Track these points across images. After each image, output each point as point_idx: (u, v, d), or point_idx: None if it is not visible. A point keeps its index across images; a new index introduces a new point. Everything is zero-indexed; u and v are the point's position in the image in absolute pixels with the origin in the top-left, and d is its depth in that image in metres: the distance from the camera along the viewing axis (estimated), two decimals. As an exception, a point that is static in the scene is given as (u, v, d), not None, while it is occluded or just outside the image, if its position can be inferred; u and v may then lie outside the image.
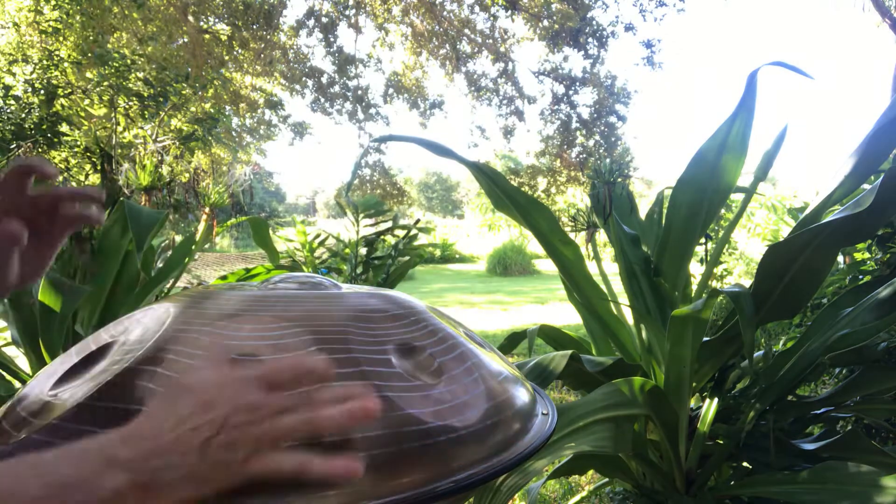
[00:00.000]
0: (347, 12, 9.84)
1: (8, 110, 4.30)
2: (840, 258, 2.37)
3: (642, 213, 2.28)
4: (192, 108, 6.42)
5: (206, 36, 8.65)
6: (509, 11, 9.24)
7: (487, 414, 0.61)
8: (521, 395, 0.69)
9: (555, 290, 10.19)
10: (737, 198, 3.53)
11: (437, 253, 17.28)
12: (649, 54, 9.21)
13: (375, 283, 3.08)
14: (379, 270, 3.13)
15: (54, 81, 4.60)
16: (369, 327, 0.63)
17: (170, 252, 2.41)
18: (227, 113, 8.98)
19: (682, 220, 1.78)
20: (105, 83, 4.82)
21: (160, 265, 2.35)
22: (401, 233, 3.27)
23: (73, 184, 4.79)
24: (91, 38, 5.69)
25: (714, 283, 4.23)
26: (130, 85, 5.00)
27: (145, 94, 5.01)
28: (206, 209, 2.32)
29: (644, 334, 1.89)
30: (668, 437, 1.66)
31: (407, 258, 3.20)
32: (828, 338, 1.62)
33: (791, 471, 1.47)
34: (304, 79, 10.48)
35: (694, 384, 1.75)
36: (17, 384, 1.93)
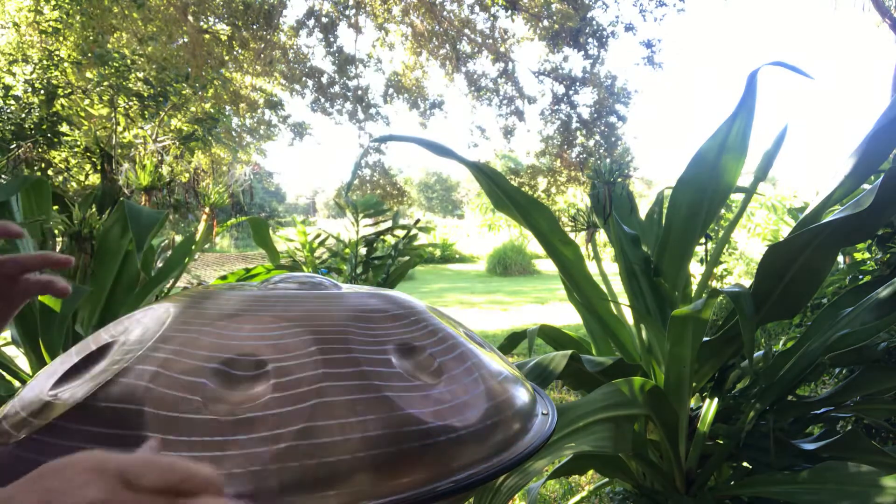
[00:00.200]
0: (347, 12, 9.84)
1: (8, 110, 4.30)
2: (840, 258, 2.37)
3: (642, 213, 2.28)
4: (192, 108, 6.42)
5: (206, 36, 8.65)
6: (509, 11, 9.24)
7: (487, 414, 0.61)
8: (521, 395, 0.69)
9: (555, 290, 10.20)
10: (737, 198, 3.53)
11: (437, 253, 17.29)
12: (649, 54, 9.21)
13: (375, 283, 3.09)
14: (379, 270, 3.13)
15: (54, 81, 4.60)
16: (369, 327, 0.63)
17: (170, 252, 2.41)
18: (227, 113, 8.98)
19: (682, 220, 1.78)
20: (105, 83, 4.82)
21: (160, 265, 2.35)
22: (401, 233, 3.27)
23: (74, 184, 4.80)
24: (91, 38, 5.69)
25: (714, 283, 4.23)
26: (130, 85, 5.00)
27: (145, 94, 5.01)
28: (206, 209, 2.32)
29: (644, 334, 1.89)
30: (668, 437, 1.66)
31: (407, 258, 3.21)
32: (828, 338, 1.62)
33: (791, 471, 1.47)
34: (304, 79, 10.48)
35: (694, 384, 1.75)
36: (17, 384, 1.93)
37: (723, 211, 3.73)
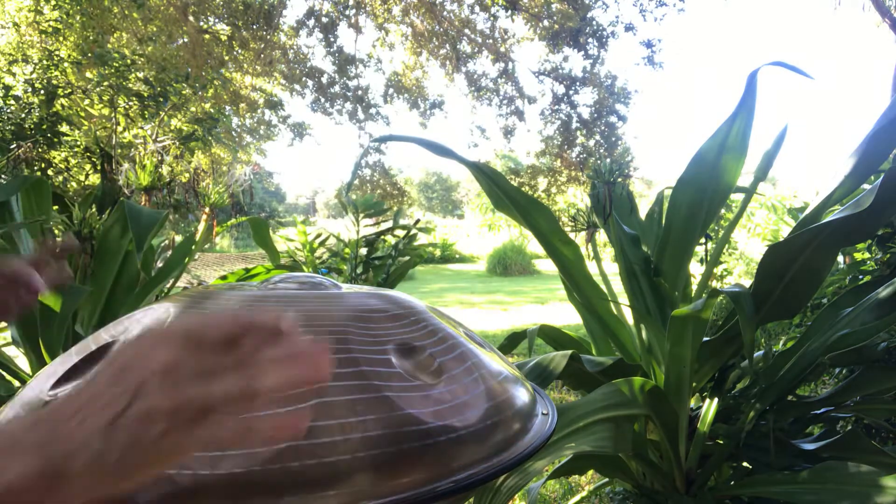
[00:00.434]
0: (347, 12, 9.85)
1: (8, 110, 4.30)
2: (840, 258, 2.37)
3: (642, 213, 2.28)
4: (192, 108, 6.42)
5: (206, 36, 8.65)
6: (509, 11, 9.24)
7: (487, 414, 0.61)
8: (521, 395, 0.69)
9: (555, 290, 10.20)
10: (737, 198, 3.53)
11: (437, 253, 17.29)
12: (649, 54, 9.21)
13: (375, 283, 3.09)
14: (379, 270, 3.13)
15: (54, 81, 4.60)
16: (369, 327, 0.63)
17: (170, 252, 2.41)
18: (227, 113, 8.98)
19: (682, 220, 1.78)
20: (105, 83, 4.82)
21: (160, 265, 2.35)
22: (401, 233, 3.27)
23: (74, 184, 4.80)
24: (91, 38, 5.69)
25: (714, 283, 4.23)
26: (130, 85, 5.01)
27: (145, 94, 5.01)
28: (206, 209, 2.32)
29: (644, 334, 1.89)
30: (668, 437, 1.66)
31: (407, 258, 3.21)
32: (828, 338, 1.62)
33: (791, 471, 1.47)
34: (304, 79, 10.49)
35: (694, 384, 1.75)
36: (17, 384, 1.93)
37: (723, 211, 3.73)
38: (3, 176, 2.59)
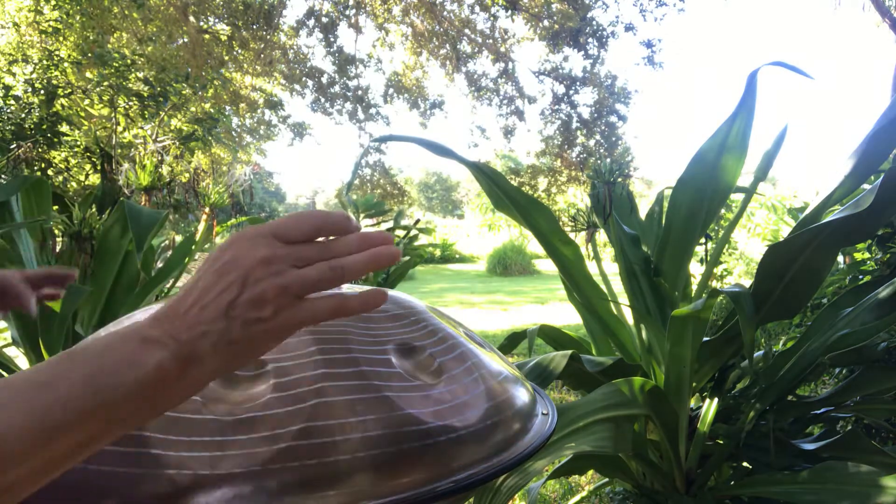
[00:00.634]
0: (347, 12, 9.85)
1: (8, 110, 4.30)
2: (840, 258, 2.37)
3: (642, 213, 2.28)
4: (192, 108, 6.42)
5: (206, 36, 8.65)
6: (509, 11, 9.24)
7: (487, 414, 0.61)
8: (521, 395, 0.69)
9: (555, 290, 10.19)
10: (737, 198, 3.53)
11: (437, 253, 17.29)
12: (649, 54, 9.21)
13: (375, 283, 3.09)
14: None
15: (54, 81, 4.60)
16: (369, 327, 0.63)
17: (170, 252, 2.41)
18: (227, 113, 8.98)
19: (682, 220, 1.78)
20: (105, 83, 4.82)
21: (160, 265, 2.35)
22: (401, 233, 3.28)
23: (74, 184, 4.80)
24: (91, 38, 5.69)
25: (714, 283, 4.23)
26: (130, 85, 5.01)
27: (145, 94, 5.01)
28: (206, 209, 2.32)
29: (644, 334, 1.89)
30: (668, 437, 1.66)
31: (407, 258, 3.21)
32: (828, 338, 1.62)
33: (791, 471, 1.47)
34: (304, 79, 10.49)
35: (694, 384, 1.75)
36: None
37: (723, 211, 3.73)
38: (3, 176, 2.59)
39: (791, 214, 4.15)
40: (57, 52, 5.19)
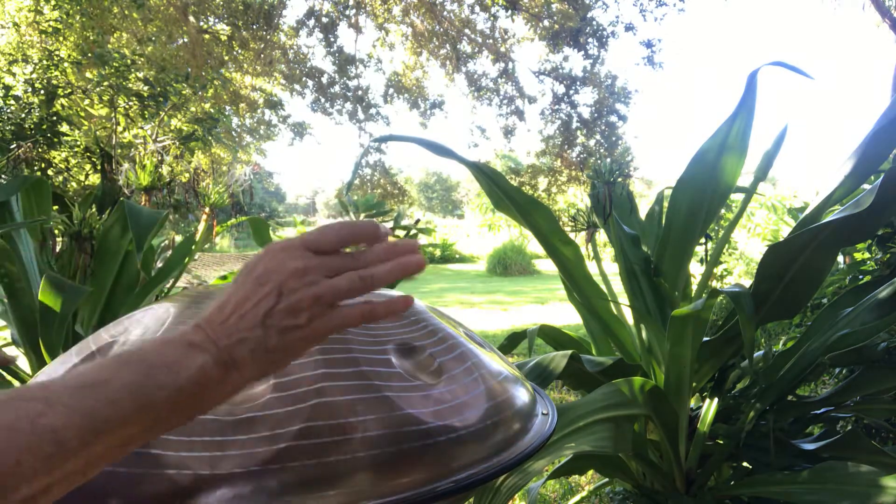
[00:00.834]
0: (347, 12, 9.84)
1: (8, 110, 4.30)
2: (840, 258, 2.37)
3: (642, 213, 2.28)
4: (192, 108, 6.42)
5: (206, 36, 8.65)
6: (509, 11, 9.24)
7: (487, 414, 0.61)
8: (521, 395, 0.69)
9: (555, 290, 10.19)
10: (737, 198, 3.53)
11: (437, 253, 17.29)
12: (649, 54, 9.20)
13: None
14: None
15: (54, 81, 4.60)
16: (369, 327, 0.63)
17: (170, 252, 2.40)
18: (227, 113, 8.98)
19: (682, 220, 1.78)
20: (105, 83, 4.82)
21: (160, 265, 2.35)
22: (401, 233, 3.27)
23: (74, 184, 4.80)
24: (91, 38, 5.69)
25: (714, 283, 4.23)
26: (130, 85, 5.01)
27: (145, 94, 5.01)
28: (206, 209, 2.31)
29: (644, 334, 1.89)
30: (668, 437, 1.66)
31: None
32: (828, 338, 1.62)
33: (791, 471, 1.47)
34: (304, 79, 10.48)
35: (694, 384, 1.75)
36: (17, 384, 1.93)
37: (723, 211, 3.73)
38: (3, 176, 2.59)
39: (791, 214, 4.15)
40: (57, 52, 5.19)
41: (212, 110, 6.78)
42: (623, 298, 1.95)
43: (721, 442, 1.76)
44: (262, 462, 0.49)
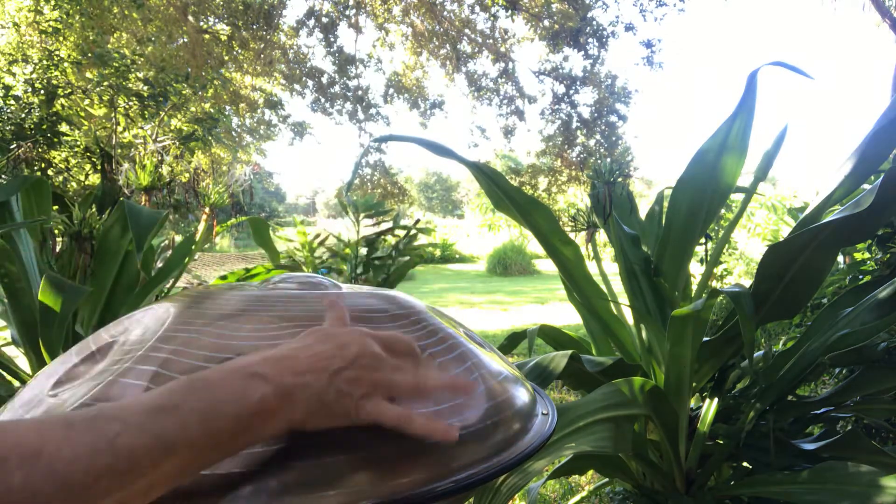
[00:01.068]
0: (347, 12, 9.84)
1: (8, 110, 4.30)
2: (840, 258, 2.37)
3: (642, 213, 2.28)
4: (192, 108, 6.42)
5: (206, 36, 8.65)
6: (509, 11, 9.23)
7: (487, 414, 0.61)
8: (521, 395, 0.69)
9: (555, 290, 10.19)
10: (737, 198, 3.53)
11: (437, 253, 17.30)
12: (649, 54, 9.20)
13: (376, 283, 3.09)
14: (379, 270, 3.13)
15: (54, 81, 4.60)
16: (369, 327, 0.63)
17: (170, 252, 2.40)
18: (227, 113, 8.98)
19: (682, 220, 1.78)
20: (105, 83, 4.82)
21: (160, 265, 2.35)
22: (401, 233, 3.27)
23: (74, 184, 4.79)
24: (91, 38, 5.69)
25: (714, 283, 4.23)
26: (130, 85, 5.01)
27: (145, 94, 5.01)
28: (206, 209, 2.31)
29: (644, 334, 1.89)
30: (668, 437, 1.66)
31: (407, 258, 3.20)
32: (828, 338, 1.62)
33: (791, 471, 1.47)
34: (304, 79, 10.48)
35: (694, 384, 1.75)
36: (17, 384, 1.93)
37: (723, 211, 3.73)
38: (3, 176, 2.59)
39: (791, 214, 4.15)
40: (57, 52, 5.19)
41: (212, 110, 6.78)
42: (623, 298, 1.95)
43: (721, 442, 1.76)
44: (262, 462, 0.49)
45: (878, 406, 1.70)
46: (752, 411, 1.66)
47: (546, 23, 9.56)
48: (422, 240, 3.45)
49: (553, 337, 2.07)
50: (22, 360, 2.11)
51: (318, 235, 3.56)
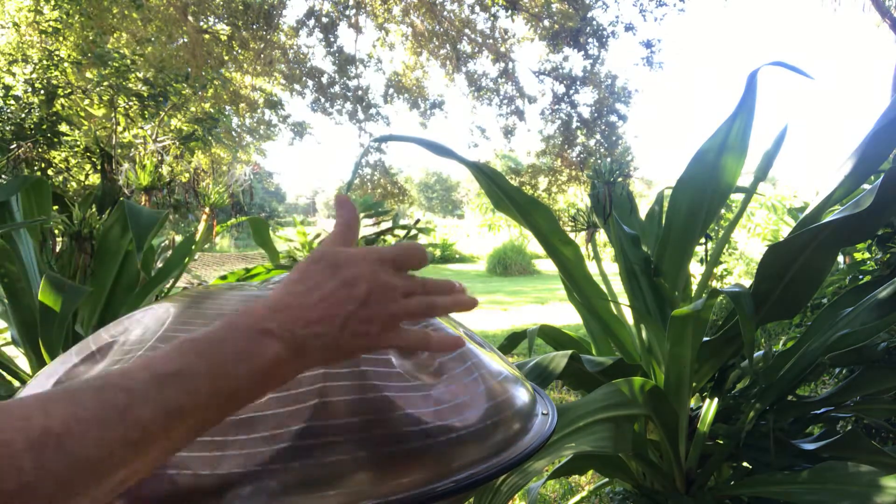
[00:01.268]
0: (347, 12, 9.84)
1: (8, 110, 4.30)
2: (840, 258, 2.37)
3: (642, 213, 2.28)
4: (192, 108, 6.42)
5: (206, 36, 8.65)
6: (509, 11, 9.23)
7: (487, 414, 0.61)
8: (521, 395, 0.69)
9: (555, 290, 10.19)
10: (737, 198, 3.53)
11: (437, 253, 17.30)
12: (649, 54, 9.20)
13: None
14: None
15: (54, 81, 4.60)
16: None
17: (170, 252, 2.40)
18: (227, 113, 8.98)
19: (682, 220, 1.78)
20: (105, 83, 4.82)
21: (160, 265, 2.35)
22: (401, 233, 3.27)
23: (74, 184, 4.80)
24: (91, 38, 5.69)
25: (714, 283, 4.23)
26: (130, 85, 5.01)
27: (145, 94, 5.01)
28: (206, 209, 2.31)
29: (644, 334, 1.89)
30: (668, 437, 1.66)
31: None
32: (828, 338, 1.62)
33: (791, 471, 1.47)
34: (304, 79, 10.48)
35: (694, 384, 1.75)
36: (17, 384, 1.93)
37: (723, 211, 3.73)
38: (3, 176, 2.59)
39: (791, 214, 4.14)
40: (57, 52, 5.19)
41: (212, 110, 6.78)
42: (623, 298, 1.95)
43: (721, 442, 1.76)
44: (262, 462, 0.49)
45: (878, 406, 1.70)
46: (752, 411, 1.66)
47: (546, 23, 9.56)
48: (422, 240, 3.45)
49: (553, 337, 2.07)
50: (22, 360, 2.11)
51: (318, 235, 3.56)
